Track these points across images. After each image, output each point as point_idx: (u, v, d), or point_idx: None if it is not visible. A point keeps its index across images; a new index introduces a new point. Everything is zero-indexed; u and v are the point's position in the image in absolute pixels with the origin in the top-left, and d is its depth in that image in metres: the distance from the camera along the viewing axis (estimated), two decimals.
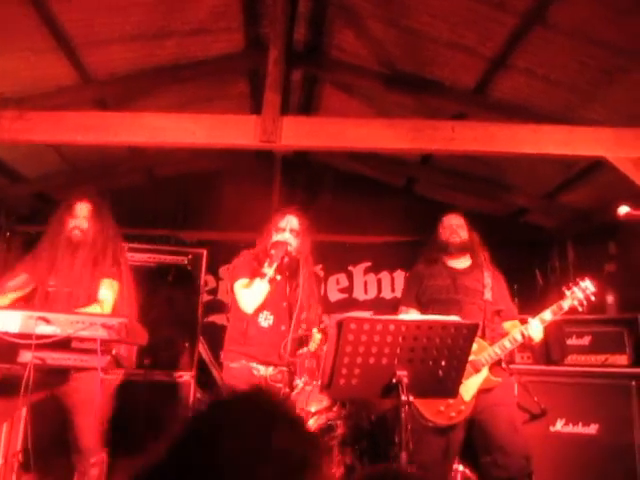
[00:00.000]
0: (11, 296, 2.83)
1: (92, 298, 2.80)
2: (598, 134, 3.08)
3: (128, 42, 3.73)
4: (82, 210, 2.93)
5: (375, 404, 3.92)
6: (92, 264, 2.86)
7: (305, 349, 3.13)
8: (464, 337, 2.18)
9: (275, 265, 2.76)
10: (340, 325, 2.08)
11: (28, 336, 2.27)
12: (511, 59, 3.44)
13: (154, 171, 5.56)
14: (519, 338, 2.78)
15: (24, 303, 2.86)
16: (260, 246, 2.96)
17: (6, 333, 2.28)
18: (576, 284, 2.90)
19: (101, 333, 2.29)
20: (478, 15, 3.24)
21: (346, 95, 4.53)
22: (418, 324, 2.15)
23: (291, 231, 2.91)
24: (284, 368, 2.93)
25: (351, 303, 5.35)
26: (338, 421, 3.63)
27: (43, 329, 2.30)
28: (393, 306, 5.22)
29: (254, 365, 2.85)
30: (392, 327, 2.11)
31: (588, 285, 2.88)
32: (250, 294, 2.80)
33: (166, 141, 3.20)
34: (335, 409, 3.74)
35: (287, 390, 2.96)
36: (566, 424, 3.59)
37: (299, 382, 3.07)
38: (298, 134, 3.11)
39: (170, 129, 3.15)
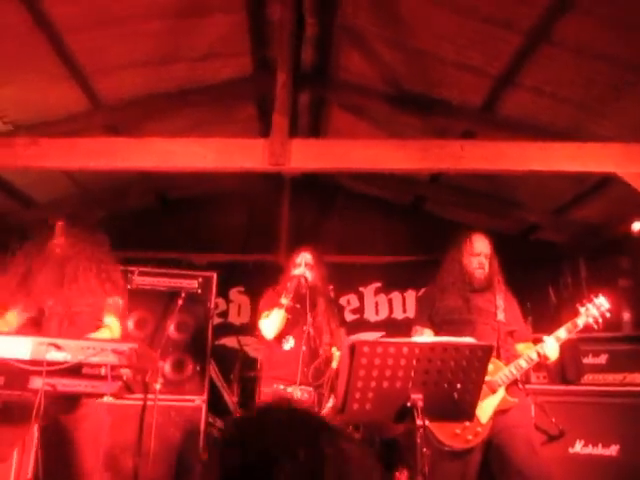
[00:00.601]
0: (12, 323, 2.84)
1: (91, 317, 2.80)
2: (608, 150, 3.06)
3: (138, 68, 3.79)
4: (58, 229, 2.94)
5: (387, 427, 3.87)
6: (78, 280, 2.83)
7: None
8: (479, 359, 2.14)
9: (290, 295, 3.17)
10: (352, 349, 2.06)
11: (39, 363, 2.25)
12: (518, 77, 3.45)
13: (164, 194, 5.60)
14: (535, 357, 2.73)
15: (32, 328, 2.86)
16: (282, 283, 3.38)
17: (17, 360, 2.27)
18: (590, 301, 2.86)
19: (112, 359, 2.28)
20: (484, 35, 3.26)
21: (354, 116, 4.55)
22: (432, 346, 2.12)
23: (306, 265, 3.32)
24: (310, 388, 3.17)
25: (362, 324, 5.30)
26: None
27: (54, 355, 2.28)
28: (405, 326, 5.16)
29: (282, 387, 3.17)
30: (405, 350, 2.09)
31: (602, 302, 2.84)
32: (269, 322, 3.23)
33: (176, 165, 3.22)
34: (348, 431, 3.71)
35: (316, 409, 3.14)
36: (585, 445, 3.51)
37: (331, 399, 3.17)
38: (307, 156, 3.11)
39: (180, 153, 3.17)
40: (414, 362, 2.09)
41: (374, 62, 3.86)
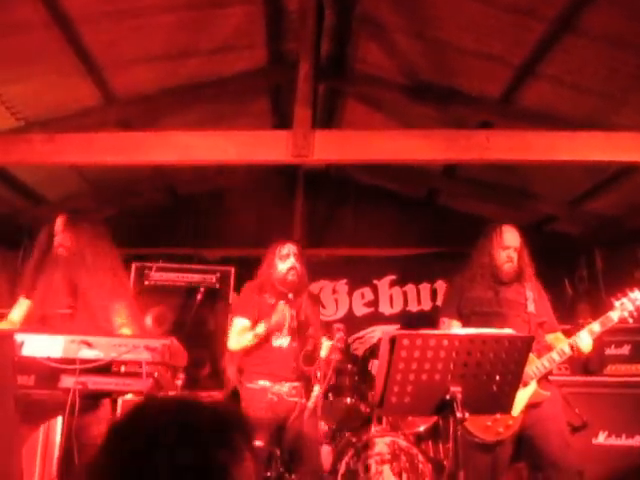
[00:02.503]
0: (15, 322, 2.85)
1: (96, 316, 2.77)
2: (636, 139, 3.03)
3: (152, 62, 3.74)
4: (59, 225, 2.93)
5: (411, 421, 3.85)
6: (85, 274, 2.81)
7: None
8: (519, 351, 2.12)
9: (266, 327, 3.03)
10: (393, 341, 2.03)
11: (72, 361, 2.22)
12: (539, 67, 3.41)
13: (175, 190, 5.55)
14: (568, 351, 2.71)
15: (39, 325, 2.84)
16: (263, 276, 3.20)
17: (49, 358, 2.24)
18: (625, 295, 2.83)
19: (145, 356, 2.25)
20: (506, 23, 3.22)
21: (370, 108, 4.51)
22: (471, 338, 2.09)
23: (294, 255, 3.18)
24: (297, 384, 3.10)
25: (377, 317, 5.28)
26: (375, 439, 3.57)
27: (86, 353, 2.25)
28: (420, 319, 5.17)
29: (269, 385, 3.03)
30: (445, 342, 2.06)
31: (638, 296, 2.81)
32: (239, 341, 3.09)
33: (197, 159, 3.18)
34: (371, 425, 3.69)
35: (303, 401, 3.06)
36: (609, 436, 3.50)
37: (315, 388, 3.10)
38: (330, 148, 3.07)
39: (201, 147, 3.13)
40: (454, 354, 2.06)
41: (392, 53, 3.82)
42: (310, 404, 3.04)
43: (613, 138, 3.04)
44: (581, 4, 2.88)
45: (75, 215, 3.00)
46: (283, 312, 3.07)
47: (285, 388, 3.05)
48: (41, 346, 2.26)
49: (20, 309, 2.91)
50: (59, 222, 2.94)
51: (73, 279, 2.82)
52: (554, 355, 2.72)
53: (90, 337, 2.29)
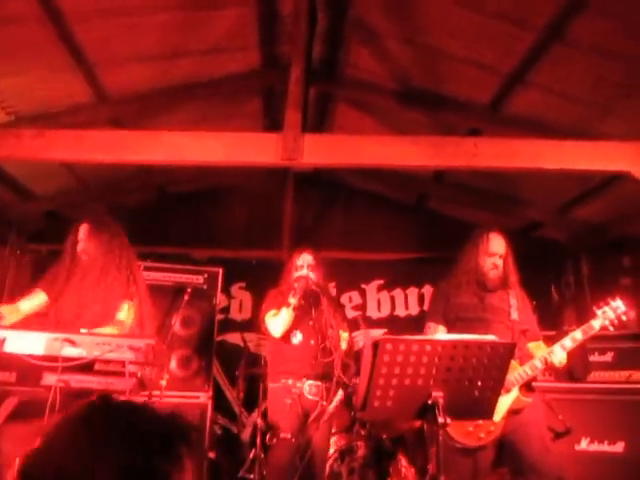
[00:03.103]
0: (23, 312, 2.80)
1: (103, 319, 2.76)
2: (621, 148, 3.06)
3: (144, 61, 3.73)
4: (83, 232, 2.95)
5: (394, 425, 3.87)
6: (101, 284, 2.83)
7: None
8: (501, 357, 2.14)
9: (297, 295, 3.23)
10: (376, 346, 2.04)
11: (54, 358, 2.22)
12: (528, 75, 3.44)
13: (165, 189, 5.54)
14: (540, 365, 2.75)
15: (38, 322, 2.82)
16: (284, 283, 3.46)
17: (31, 356, 2.23)
18: (607, 303, 2.86)
19: (128, 355, 2.25)
20: (496, 32, 3.25)
21: (360, 112, 4.53)
22: (454, 344, 2.11)
23: (308, 266, 3.40)
24: (319, 382, 3.22)
25: (365, 321, 5.27)
26: (359, 442, 3.58)
27: (69, 351, 2.25)
28: (407, 324, 5.19)
29: (291, 382, 3.19)
30: (428, 347, 2.07)
31: (619, 304, 2.84)
32: (277, 320, 3.27)
33: (187, 159, 3.17)
34: (355, 429, 3.70)
35: (324, 403, 3.18)
36: (591, 442, 3.54)
37: (340, 391, 3.23)
38: (320, 152, 3.09)
39: (191, 147, 3.13)
40: (436, 359, 2.08)
41: (383, 58, 3.84)
42: (331, 408, 3.17)
43: (599, 147, 3.08)
44: (569, 14, 2.92)
45: (97, 222, 3.01)
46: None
47: (306, 386, 3.20)
48: (23, 343, 2.25)
49: (33, 302, 2.86)
50: (83, 230, 2.95)
51: (92, 284, 2.84)
52: (537, 362, 2.75)
53: (73, 335, 2.28)
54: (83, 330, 2.55)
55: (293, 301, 3.22)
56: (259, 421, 3.63)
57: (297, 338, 3.32)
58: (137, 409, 0.93)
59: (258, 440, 3.58)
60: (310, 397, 3.19)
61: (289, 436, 3.04)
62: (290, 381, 3.20)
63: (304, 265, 3.41)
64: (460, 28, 3.35)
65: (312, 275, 3.36)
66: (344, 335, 3.35)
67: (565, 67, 3.33)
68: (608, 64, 3.19)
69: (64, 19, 3.12)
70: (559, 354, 2.75)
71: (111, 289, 2.83)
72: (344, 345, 3.29)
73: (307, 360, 3.23)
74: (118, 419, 0.89)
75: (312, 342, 3.29)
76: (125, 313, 2.77)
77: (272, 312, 3.34)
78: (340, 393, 3.20)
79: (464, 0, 3.14)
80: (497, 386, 2.19)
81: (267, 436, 3.40)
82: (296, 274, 3.39)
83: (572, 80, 3.40)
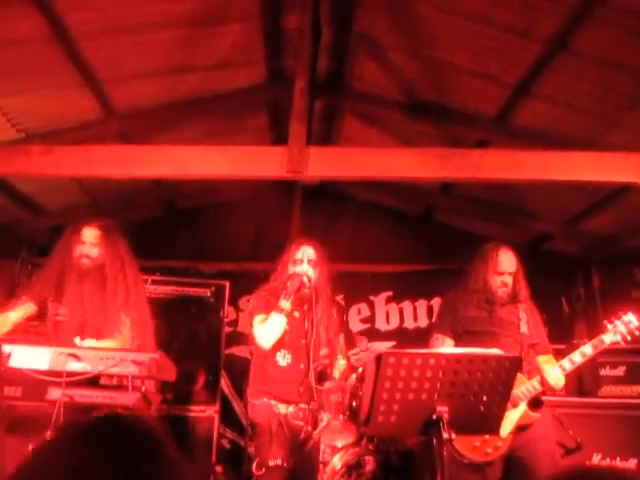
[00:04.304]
0: (13, 321, 2.74)
1: (104, 329, 2.75)
2: (629, 160, 3.03)
3: (152, 77, 3.78)
4: (90, 236, 2.85)
5: (402, 439, 3.82)
6: (102, 293, 2.79)
7: (328, 384, 3.03)
8: (506, 371, 2.11)
9: (291, 298, 2.72)
10: (379, 360, 2.03)
11: (58, 374, 2.22)
12: (534, 86, 3.44)
13: (173, 203, 5.58)
14: (538, 387, 2.73)
15: (33, 334, 2.81)
16: (276, 280, 2.94)
17: (36, 371, 2.24)
18: (618, 317, 2.82)
19: (132, 369, 2.25)
20: (502, 43, 3.26)
21: (367, 125, 4.54)
22: (459, 357, 2.09)
23: (309, 262, 2.88)
24: (304, 406, 2.83)
25: (373, 333, 5.26)
26: (367, 457, 3.53)
27: (73, 366, 2.26)
28: (416, 336, 5.15)
29: (274, 403, 2.81)
30: (432, 361, 2.06)
31: (631, 319, 2.80)
32: (266, 329, 2.75)
33: (193, 173, 3.19)
34: (362, 444, 3.66)
35: (309, 428, 2.84)
36: (603, 458, 3.47)
37: (324, 417, 2.95)
38: (325, 164, 3.09)
39: (197, 161, 3.15)
40: (440, 374, 2.06)
41: (389, 70, 3.86)
42: (315, 434, 2.85)
43: (606, 158, 3.05)
44: (575, 25, 2.92)
45: (107, 228, 2.92)
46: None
47: (290, 410, 2.81)
48: (29, 358, 2.26)
49: (22, 312, 2.79)
50: (89, 233, 2.85)
51: (93, 292, 2.78)
52: (534, 382, 2.72)
53: (78, 350, 2.29)
54: (89, 340, 2.56)
55: (286, 305, 2.69)
56: (250, 448, 3.19)
57: (285, 359, 2.84)
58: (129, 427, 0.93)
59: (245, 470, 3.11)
60: (295, 422, 2.81)
61: (279, 462, 2.62)
62: (273, 402, 2.80)
63: (304, 259, 2.87)
64: (465, 40, 3.36)
65: (311, 273, 2.82)
66: (341, 362, 2.92)
67: (571, 78, 3.32)
68: (614, 75, 3.17)
69: (72, 38, 3.17)
70: (553, 375, 2.70)
71: (113, 299, 2.79)
72: (337, 373, 2.90)
73: (295, 386, 2.79)
74: (109, 437, 0.89)
75: (302, 366, 2.82)
76: (125, 325, 2.76)
77: (260, 317, 2.79)
78: (326, 419, 2.86)
79: (469, 12, 3.15)
80: (503, 401, 2.16)
81: (254, 466, 2.79)
82: (290, 271, 2.86)
83: (579, 91, 3.39)
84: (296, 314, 2.84)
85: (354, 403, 2.90)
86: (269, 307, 2.80)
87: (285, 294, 2.71)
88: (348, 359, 3.02)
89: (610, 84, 3.25)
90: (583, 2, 2.76)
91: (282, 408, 2.79)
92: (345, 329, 3.29)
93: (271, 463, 2.61)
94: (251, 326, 2.88)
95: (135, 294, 2.84)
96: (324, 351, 2.94)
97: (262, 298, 2.92)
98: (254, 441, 2.89)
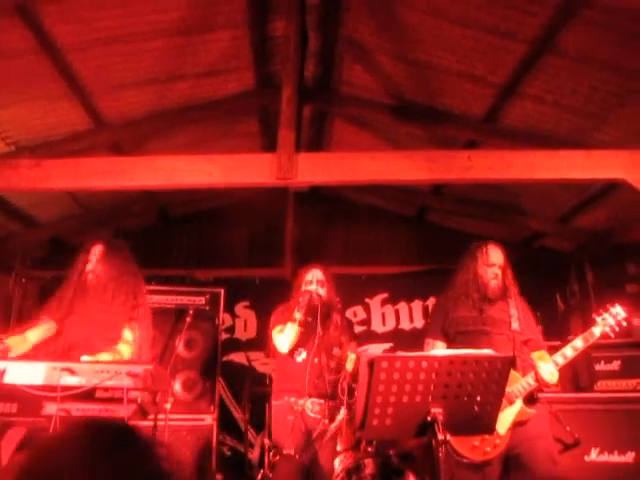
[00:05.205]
0: (31, 341, 2.76)
1: (110, 342, 2.76)
2: (615, 156, 3.06)
3: (141, 86, 3.80)
4: (95, 253, 2.92)
5: (401, 441, 3.82)
6: (106, 307, 2.81)
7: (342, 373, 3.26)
8: (499, 371, 2.12)
9: (303, 310, 3.14)
10: (371, 364, 2.03)
11: (53, 388, 2.22)
12: (521, 86, 3.46)
13: (166, 211, 5.58)
14: (533, 382, 2.71)
15: (44, 352, 2.82)
16: (293, 299, 3.36)
17: (31, 386, 2.24)
18: (606, 310, 2.84)
19: (127, 382, 2.25)
20: (487, 45, 3.28)
21: (357, 128, 4.56)
22: (451, 359, 2.09)
23: (317, 282, 3.30)
24: (321, 400, 3.15)
25: (370, 335, 5.27)
26: (366, 460, 3.54)
27: (68, 380, 2.25)
28: (412, 337, 5.15)
29: (293, 400, 3.12)
30: (425, 364, 2.06)
31: (619, 311, 2.82)
32: (283, 336, 3.21)
33: (183, 183, 3.20)
34: (362, 447, 3.66)
35: (326, 422, 3.12)
36: (601, 453, 3.47)
37: (342, 410, 3.16)
38: (314, 170, 3.11)
39: (186, 170, 3.16)
40: (433, 376, 2.06)
41: (377, 74, 3.88)
42: (332, 427, 3.11)
43: (593, 156, 3.08)
44: (559, 25, 2.94)
45: (111, 245, 2.99)
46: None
47: (308, 403, 3.12)
48: (23, 373, 2.26)
49: (40, 330, 2.82)
50: (96, 250, 2.93)
51: (97, 307, 2.81)
52: (528, 379, 2.72)
53: (72, 364, 2.29)
54: (85, 357, 2.56)
55: (298, 316, 3.16)
56: (266, 441, 3.58)
57: (301, 356, 3.25)
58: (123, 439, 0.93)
59: (266, 459, 3.52)
60: (312, 415, 3.12)
61: (292, 452, 3.00)
62: (292, 399, 3.14)
63: (313, 280, 3.33)
64: (451, 42, 3.38)
65: (321, 291, 3.28)
66: (351, 356, 3.25)
67: (558, 77, 3.35)
68: (600, 73, 3.20)
69: (60, 50, 3.19)
70: (545, 370, 2.71)
71: (116, 314, 2.82)
72: (350, 366, 3.17)
73: (310, 378, 3.16)
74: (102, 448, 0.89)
75: (316, 360, 3.21)
76: (126, 339, 2.76)
77: (279, 327, 3.30)
78: (343, 412, 3.13)
79: (453, 15, 3.17)
80: (497, 400, 2.16)
81: (271, 453, 3.35)
82: (304, 288, 3.32)
83: (565, 90, 3.42)
84: (309, 319, 3.22)
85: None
86: (285, 319, 3.26)
87: (298, 307, 3.16)
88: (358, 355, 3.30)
89: (596, 83, 3.28)
90: (567, 2, 2.78)
91: (300, 402, 3.11)
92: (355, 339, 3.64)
93: (285, 452, 3.02)
94: (271, 337, 3.32)
95: (138, 309, 2.86)
96: (336, 351, 3.29)
97: (279, 313, 3.39)
98: (272, 435, 3.29)
